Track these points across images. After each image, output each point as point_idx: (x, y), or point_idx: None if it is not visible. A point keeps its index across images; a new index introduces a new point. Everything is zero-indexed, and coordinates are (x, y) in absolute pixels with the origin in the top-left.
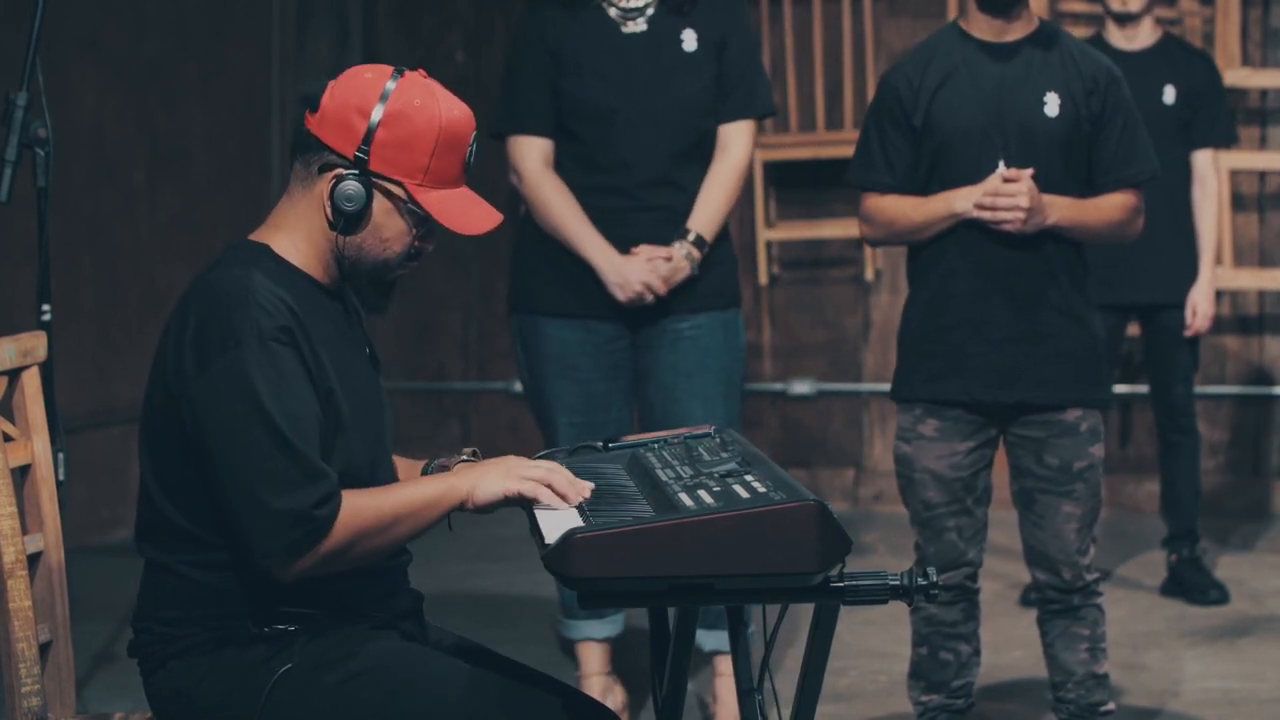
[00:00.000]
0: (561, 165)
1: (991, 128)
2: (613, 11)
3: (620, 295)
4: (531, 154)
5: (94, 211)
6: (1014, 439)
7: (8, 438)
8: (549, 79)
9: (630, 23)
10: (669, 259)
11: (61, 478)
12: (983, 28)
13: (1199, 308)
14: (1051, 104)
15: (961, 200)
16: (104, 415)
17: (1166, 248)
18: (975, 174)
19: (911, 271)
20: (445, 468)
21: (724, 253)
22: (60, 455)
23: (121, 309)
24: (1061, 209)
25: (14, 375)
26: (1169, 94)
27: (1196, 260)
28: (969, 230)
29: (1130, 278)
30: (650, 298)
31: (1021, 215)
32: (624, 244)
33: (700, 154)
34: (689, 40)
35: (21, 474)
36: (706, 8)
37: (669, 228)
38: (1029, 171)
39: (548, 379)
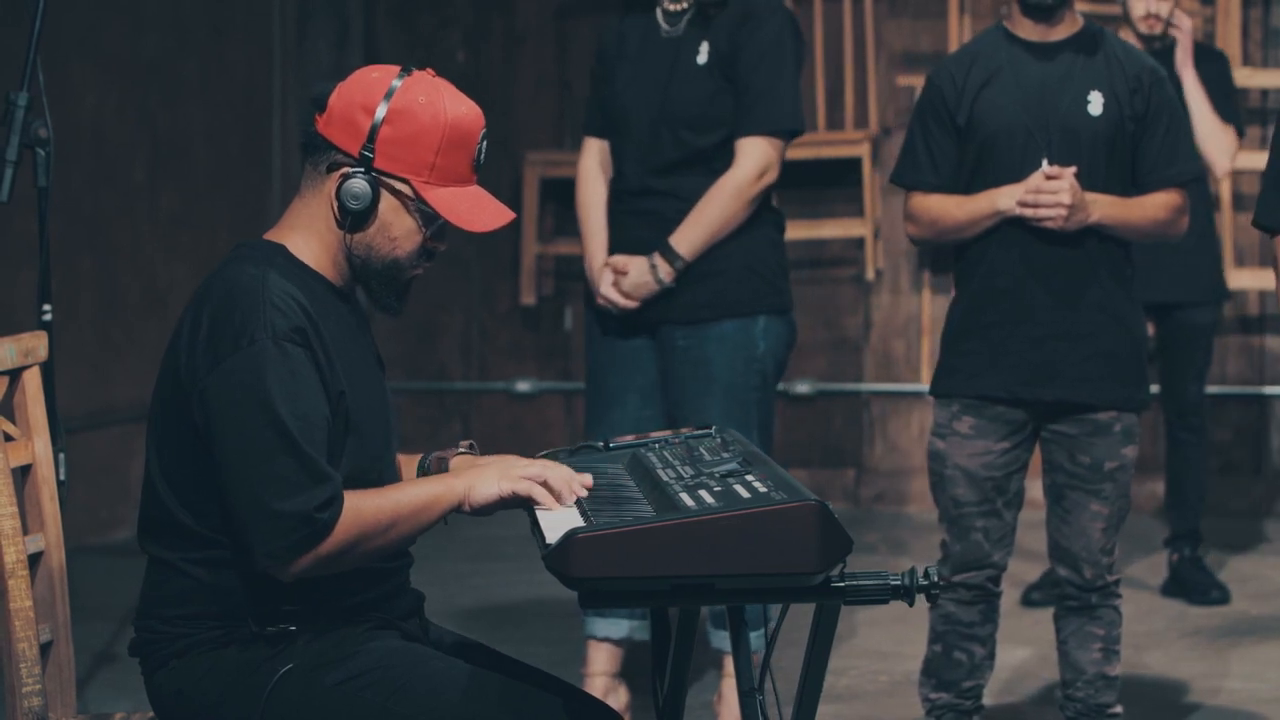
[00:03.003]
0: None
1: (1035, 126)
2: (661, 15)
3: (597, 302)
4: (587, 154)
5: (94, 211)
6: (1049, 434)
7: (8, 438)
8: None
9: (671, 27)
10: (625, 273)
11: (62, 478)
12: (1027, 29)
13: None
14: (1095, 103)
15: (1005, 198)
16: (104, 415)
17: (1181, 246)
18: (1019, 172)
19: (958, 271)
20: (443, 460)
21: (727, 264)
22: (61, 455)
23: (122, 308)
24: (1104, 207)
25: (15, 375)
26: None
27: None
28: (1012, 227)
29: (1146, 277)
30: (616, 311)
31: (1063, 212)
32: (620, 247)
33: (699, 167)
34: (703, 52)
35: (22, 474)
36: (727, 18)
37: (656, 233)
38: (1071, 169)
39: (586, 372)
